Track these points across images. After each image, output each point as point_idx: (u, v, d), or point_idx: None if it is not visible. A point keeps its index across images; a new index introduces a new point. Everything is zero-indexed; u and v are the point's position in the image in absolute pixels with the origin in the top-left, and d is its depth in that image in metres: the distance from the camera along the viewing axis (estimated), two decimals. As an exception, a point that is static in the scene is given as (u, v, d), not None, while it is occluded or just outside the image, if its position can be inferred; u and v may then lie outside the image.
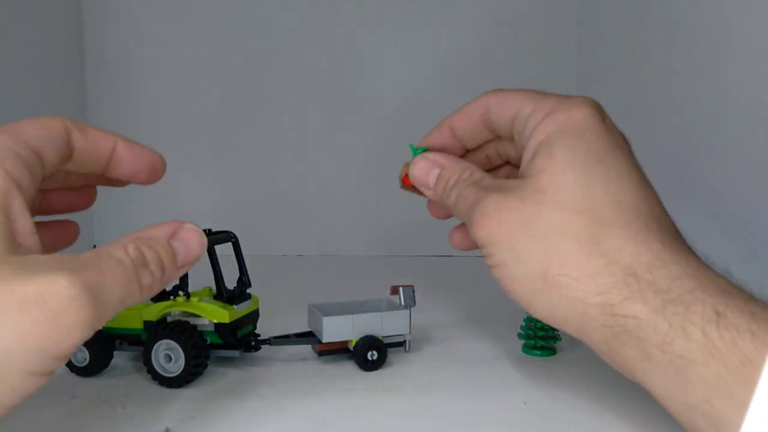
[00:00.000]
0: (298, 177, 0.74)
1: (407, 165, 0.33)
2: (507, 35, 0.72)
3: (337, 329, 0.36)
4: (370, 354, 0.36)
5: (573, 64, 0.71)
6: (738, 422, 0.21)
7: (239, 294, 0.36)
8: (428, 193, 0.32)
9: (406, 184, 0.33)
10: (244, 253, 0.37)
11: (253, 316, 0.37)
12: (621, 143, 0.29)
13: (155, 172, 0.29)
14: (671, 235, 0.26)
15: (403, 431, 0.29)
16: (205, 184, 0.73)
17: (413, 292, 0.38)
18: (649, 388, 0.24)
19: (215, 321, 0.34)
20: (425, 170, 0.32)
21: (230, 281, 0.36)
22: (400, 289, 0.38)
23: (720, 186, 0.53)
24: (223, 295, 0.35)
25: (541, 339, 0.38)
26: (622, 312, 0.24)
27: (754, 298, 0.23)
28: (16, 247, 0.22)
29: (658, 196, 0.28)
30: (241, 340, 0.36)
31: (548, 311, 0.26)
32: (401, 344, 0.38)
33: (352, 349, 0.36)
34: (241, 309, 0.35)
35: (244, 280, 0.37)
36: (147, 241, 0.25)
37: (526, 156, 0.29)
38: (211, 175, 0.72)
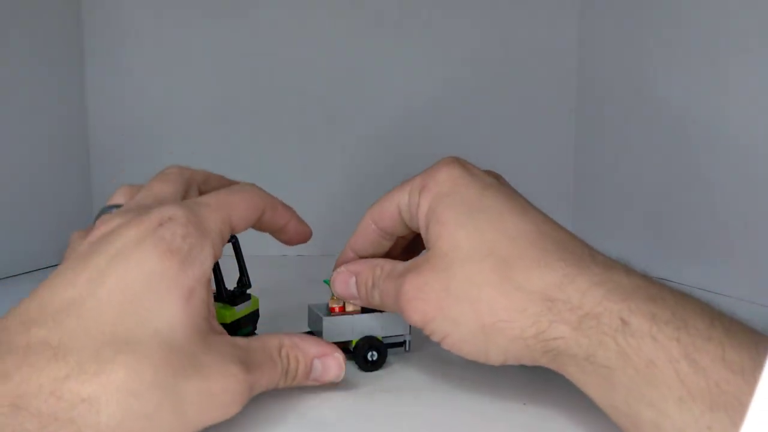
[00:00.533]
0: (298, 177, 0.74)
1: (330, 299, 0.37)
2: (507, 37, 0.72)
3: (337, 330, 0.36)
4: (370, 354, 0.36)
5: (573, 63, 0.71)
6: (650, 420, 0.23)
7: (239, 294, 0.36)
8: (358, 302, 0.35)
9: (334, 311, 0.36)
10: (244, 253, 0.37)
11: (253, 317, 0.37)
12: (490, 182, 0.31)
13: (303, 241, 0.37)
14: (569, 248, 0.28)
15: None
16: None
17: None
18: (590, 396, 0.26)
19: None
20: (344, 283, 0.35)
21: (230, 282, 0.36)
22: (400, 289, 0.38)
23: (720, 186, 0.53)
24: (224, 296, 0.35)
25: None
26: (552, 336, 0.26)
27: (655, 297, 0.25)
28: (212, 326, 0.28)
29: (543, 215, 0.30)
30: None
31: (503, 355, 0.28)
32: (401, 344, 0.38)
33: (352, 349, 0.36)
34: (241, 309, 0.36)
35: (244, 281, 0.37)
36: (299, 353, 0.30)
37: (423, 231, 0.32)
38: (211, 175, 0.72)
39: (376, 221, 0.35)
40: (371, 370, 0.36)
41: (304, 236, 0.37)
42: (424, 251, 0.33)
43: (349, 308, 0.36)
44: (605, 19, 0.66)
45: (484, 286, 0.27)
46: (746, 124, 0.50)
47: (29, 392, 0.22)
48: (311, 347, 0.31)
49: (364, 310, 0.37)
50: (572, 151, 0.72)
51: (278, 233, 0.36)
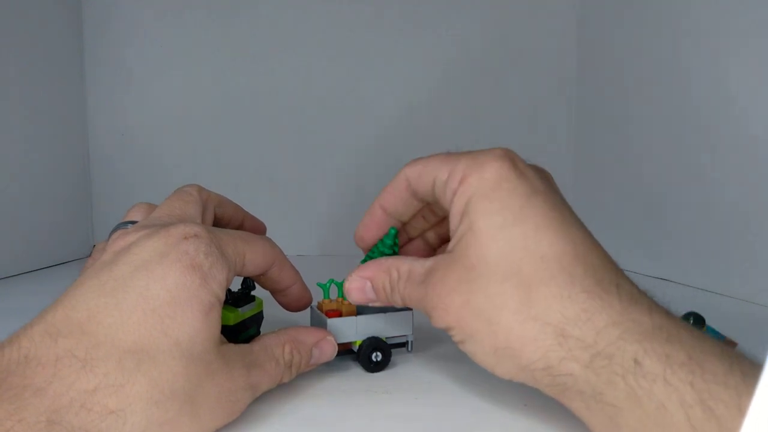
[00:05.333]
0: (298, 177, 0.74)
1: (321, 302, 0.37)
2: (507, 36, 0.72)
3: (341, 331, 0.36)
4: (375, 355, 0.36)
5: (573, 63, 0.71)
6: None
7: (243, 296, 0.36)
8: (377, 304, 0.34)
9: (331, 315, 0.36)
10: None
11: (257, 319, 0.37)
12: (537, 187, 0.29)
13: (302, 308, 0.38)
14: (598, 275, 0.27)
15: (407, 433, 0.29)
16: (205, 184, 0.73)
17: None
18: None
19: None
20: (360, 290, 0.34)
21: (233, 283, 0.36)
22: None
23: (720, 185, 0.53)
24: (228, 298, 0.35)
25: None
26: (560, 372, 0.26)
27: (673, 338, 0.24)
28: (221, 336, 0.29)
29: (583, 231, 0.28)
30: (244, 342, 0.36)
31: (509, 376, 0.28)
32: (404, 345, 0.38)
33: (356, 350, 0.36)
34: (245, 312, 0.36)
35: (248, 283, 0.37)
36: (299, 345, 0.32)
37: (452, 225, 0.30)
38: (210, 175, 0.73)
39: (410, 180, 0.33)
40: (376, 371, 0.36)
41: (304, 303, 0.37)
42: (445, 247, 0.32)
43: (345, 310, 0.36)
44: (605, 17, 0.66)
45: (502, 310, 0.27)
46: (746, 124, 0.50)
47: (62, 406, 0.23)
48: (308, 337, 0.33)
49: (359, 312, 0.37)
50: (572, 150, 0.72)
51: (280, 294, 0.37)
